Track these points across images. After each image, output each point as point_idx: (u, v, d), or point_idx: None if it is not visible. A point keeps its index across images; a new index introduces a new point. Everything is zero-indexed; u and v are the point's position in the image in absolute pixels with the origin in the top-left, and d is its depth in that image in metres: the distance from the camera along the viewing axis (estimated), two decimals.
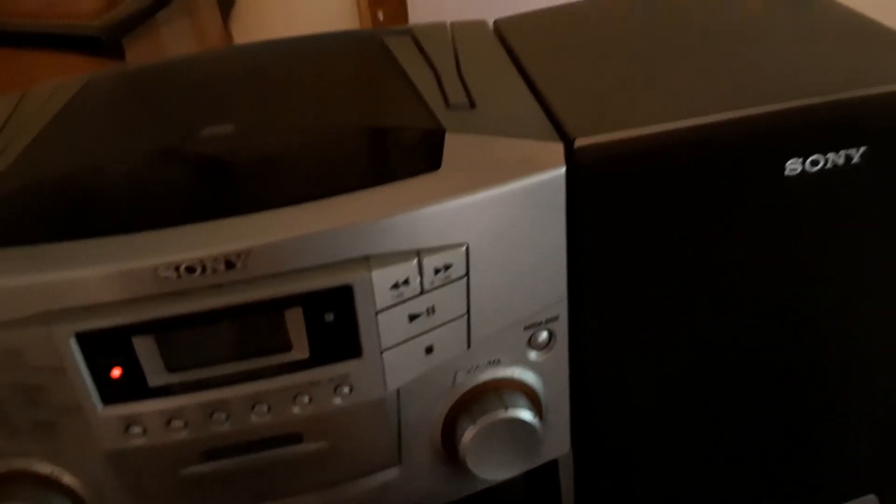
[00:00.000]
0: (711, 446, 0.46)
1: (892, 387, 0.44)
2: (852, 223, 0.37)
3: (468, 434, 0.38)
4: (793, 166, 0.35)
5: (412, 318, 0.35)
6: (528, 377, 0.40)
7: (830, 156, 0.35)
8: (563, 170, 0.35)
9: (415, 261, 0.34)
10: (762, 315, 0.40)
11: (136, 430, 0.35)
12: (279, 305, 0.34)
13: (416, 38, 0.47)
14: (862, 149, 0.35)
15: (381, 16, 1.11)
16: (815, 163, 0.35)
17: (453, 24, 0.50)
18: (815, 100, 0.35)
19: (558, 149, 0.36)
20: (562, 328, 0.39)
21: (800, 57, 0.39)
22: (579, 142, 0.36)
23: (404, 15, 1.09)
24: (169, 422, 0.35)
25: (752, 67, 0.39)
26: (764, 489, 0.48)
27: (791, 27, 0.43)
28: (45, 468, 0.37)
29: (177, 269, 0.32)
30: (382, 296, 0.34)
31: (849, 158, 0.35)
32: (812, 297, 0.40)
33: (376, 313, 0.34)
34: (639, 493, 0.48)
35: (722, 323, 0.40)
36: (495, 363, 0.39)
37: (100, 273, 0.32)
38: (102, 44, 0.83)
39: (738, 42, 0.42)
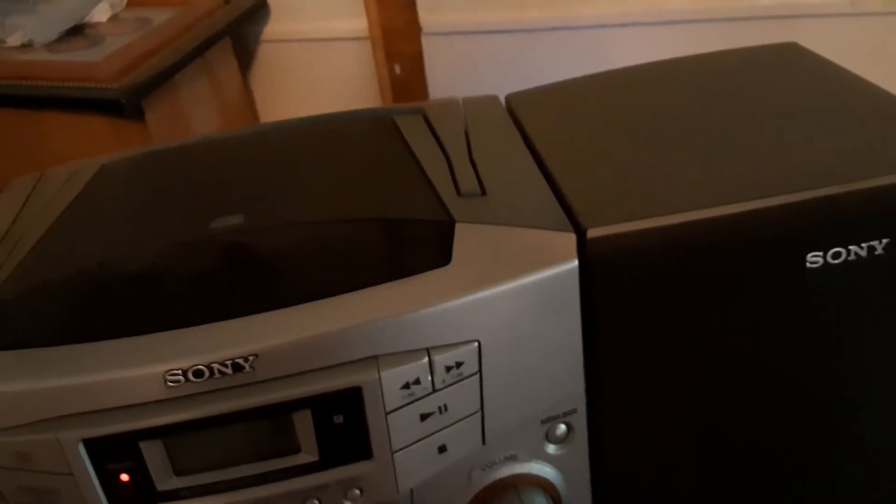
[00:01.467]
0: None
1: None
2: (874, 314, 0.36)
3: None
4: (814, 259, 0.34)
5: (424, 417, 0.35)
6: (547, 472, 0.39)
7: (853, 248, 0.34)
8: (575, 262, 0.35)
9: (425, 359, 0.33)
10: (782, 406, 0.39)
11: None
12: (287, 408, 0.33)
13: (427, 119, 0.47)
14: (885, 240, 0.34)
15: (398, 69, 1.12)
16: (836, 255, 0.34)
17: (465, 101, 0.49)
18: (836, 189, 0.34)
19: (570, 240, 0.35)
20: (580, 421, 0.38)
21: (821, 141, 0.38)
22: (591, 232, 0.35)
23: (421, 68, 1.10)
24: None
25: (770, 152, 0.38)
26: None
27: (812, 108, 0.42)
28: None
29: (184, 374, 0.32)
30: (392, 396, 0.33)
31: (872, 250, 0.34)
32: (831, 388, 0.38)
33: (386, 414, 0.34)
34: None
35: (742, 414, 0.39)
36: (512, 458, 0.38)
37: (107, 379, 0.32)
38: (122, 106, 0.85)
39: (756, 124, 0.41)
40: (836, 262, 0.34)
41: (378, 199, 0.40)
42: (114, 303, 0.36)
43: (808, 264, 0.34)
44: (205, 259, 0.37)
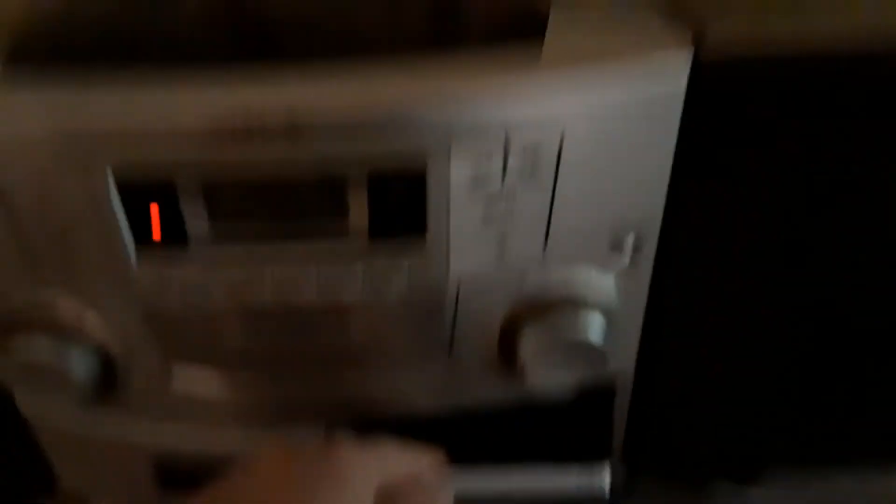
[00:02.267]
0: (779, 398, 0.42)
1: None
2: None
3: (530, 345, 0.34)
4: None
5: (489, 203, 0.31)
6: (605, 292, 0.36)
7: None
8: (684, 78, 0.30)
9: (502, 137, 0.30)
10: (871, 276, 0.35)
11: (172, 284, 0.32)
12: (343, 165, 0.30)
13: None
14: None
15: None
16: None
17: None
18: None
19: (684, 50, 0.30)
20: (649, 246, 0.35)
21: None
22: (708, 51, 0.30)
23: None
24: (209, 282, 0.32)
25: None
26: (826, 442, 0.44)
27: None
28: (69, 312, 0.34)
29: (232, 117, 0.28)
30: (460, 172, 0.30)
31: None
32: None
33: (450, 188, 0.30)
34: (694, 429, 0.45)
35: (822, 274, 0.36)
36: (571, 272, 0.35)
37: (148, 100, 0.28)
38: None
39: None
40: None
41: None
42: (159, 34, 0.32)
43: None
44: (267, 6, 0.33)
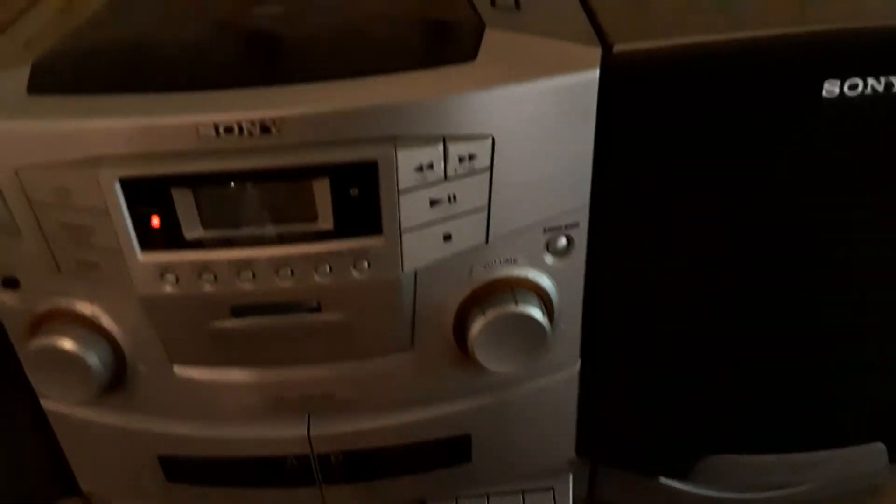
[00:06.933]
0: (719, 381, 0.46)
1: None
2: (887, 155, 0.37)
3: (477, 325, 0.39)
4: (830, 88, 0.34)
5: (433, 203, 0.37)
6: (543, 281, 0.41)
7: (870, 80, 0.34)
8: (596, 72, 0.36)
9: (440, 146, 0.35)
10: (787, 247, 0.40)
11: (170, 277, 0.37)
12: (308, 174, 0.35)
13: None
14: None
15: None
16: (853, 86, 0.34)
17: None
18: (860, 23, 0.34)
19: (595, 53, 0.36)
20: (581, 237, 0.40)
21: None
22: (618, 47, 0.36)
23: None
24: (200, 274, 0.37)
25: None
26: (770, 427, 0.48)
27: None
28: (86, 308, 0.40)
29: (216, 127, 0.34)
30: (406, 177, 0.36)
31: (889, 86, 0.34)
32: (839, 230, 0.40)
33: (399, 193, 0.36)
34: (642, 415, 0.49)
35: (746, 250, 0.40)
36: (511, 262, 0.40)
37: (145, 125, 0.35)
38: None
39: None
40: (852, 93, 0.34)
41: (413, 3, 0.41)
42: (158, 65, 0.38)
43: (824, 93, 0.35)
44: (244, 37, 0.39)
